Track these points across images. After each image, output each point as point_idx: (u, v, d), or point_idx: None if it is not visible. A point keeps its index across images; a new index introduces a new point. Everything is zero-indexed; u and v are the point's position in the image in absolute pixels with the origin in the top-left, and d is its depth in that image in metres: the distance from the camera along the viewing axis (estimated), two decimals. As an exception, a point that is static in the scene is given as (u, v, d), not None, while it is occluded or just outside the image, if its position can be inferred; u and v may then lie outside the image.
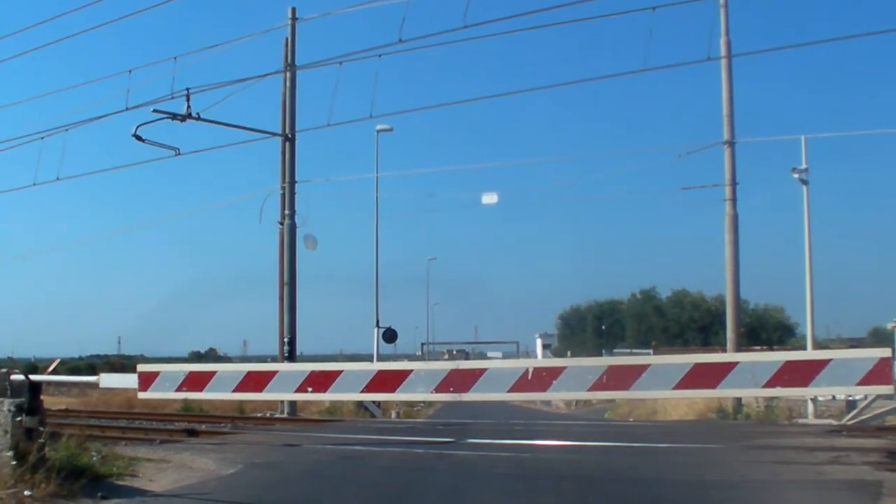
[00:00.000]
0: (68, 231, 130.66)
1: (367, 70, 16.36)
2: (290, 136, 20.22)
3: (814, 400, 17.93)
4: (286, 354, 19.90)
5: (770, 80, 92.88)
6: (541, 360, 25.78)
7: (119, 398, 24.84)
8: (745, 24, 67.78)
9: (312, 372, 6.93)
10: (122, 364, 44.56)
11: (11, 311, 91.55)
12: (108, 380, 8.36)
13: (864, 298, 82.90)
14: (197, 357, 63.49)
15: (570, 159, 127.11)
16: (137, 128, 16.71)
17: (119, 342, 79.16)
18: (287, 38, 20.13)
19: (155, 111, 16.42)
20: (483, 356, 55.84)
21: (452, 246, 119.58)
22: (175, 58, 14.85)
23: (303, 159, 24.46)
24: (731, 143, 19.27)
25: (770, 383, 5.63)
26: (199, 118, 17.00)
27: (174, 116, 16.74)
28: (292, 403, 20.06)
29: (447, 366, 6.56)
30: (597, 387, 6.02)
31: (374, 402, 21.47)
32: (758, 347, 43.76)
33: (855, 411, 15.27)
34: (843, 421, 15.01)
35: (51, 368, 8.74)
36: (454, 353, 59.19)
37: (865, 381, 5.46)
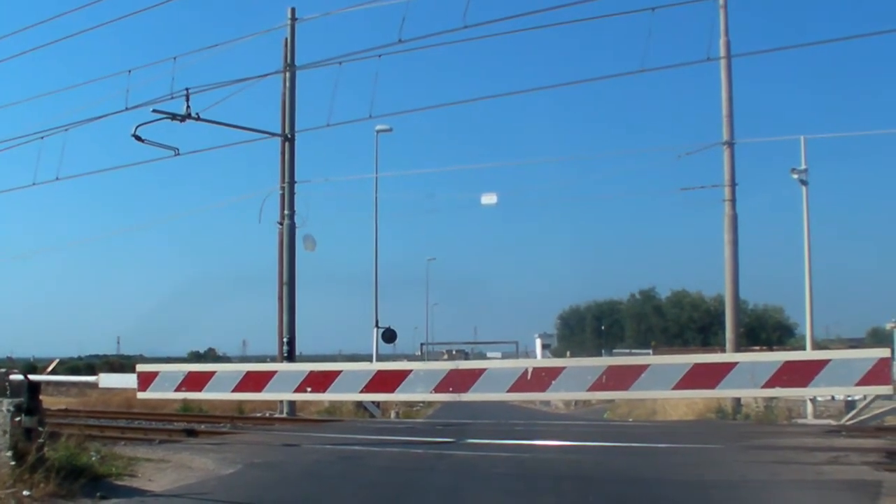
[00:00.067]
0: (68, 231, 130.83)
1: (367, 70, 16.43)
2: (289, 136, 20.23)
3: (813, 400, 17.95)
4: (285, 354, 19.91)
5: (770, 80, 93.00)
6: (540, 360, 25.77)
7: (118, 398, 24.85)
8: (745, 24, 68.06)
9: (311, 372, 6.91)
10: (122, 364, 44.50)
11: (11, 311, 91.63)
12: (107, 380, 8.33)
13: (864, 299, 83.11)
14: (196, 357, 63.41)
15: (570, 159, 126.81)
16: (137, 128, 16.73)
17: (118, 342, 79.04)
18: (287, 39, 20.15)
19: (154, 111, 16.43)
20: (482, 356, 55.70)
21: (452, 246, 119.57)
22: (175, 58, 14.84)
23: (302, 159, 24.49)
24: (731, 144, 19.30)
25: (769, 383, 5.62)
26: (198, 118, 17.00)
27: (174, 116, 16.74)
28: (291, 403, 20.07)
29: (446, 366, 6.54)
30: (596, 387, 6.00)
31: (373, 402, 21.48)
32: (757, 348, 43.64)
33: (854, 411, 15.29)
34: (843, 421, 15.02)
35: (50, 368, 8.73)
36: (453, 353, 59.04)
37: (864, 382, 5.45)
